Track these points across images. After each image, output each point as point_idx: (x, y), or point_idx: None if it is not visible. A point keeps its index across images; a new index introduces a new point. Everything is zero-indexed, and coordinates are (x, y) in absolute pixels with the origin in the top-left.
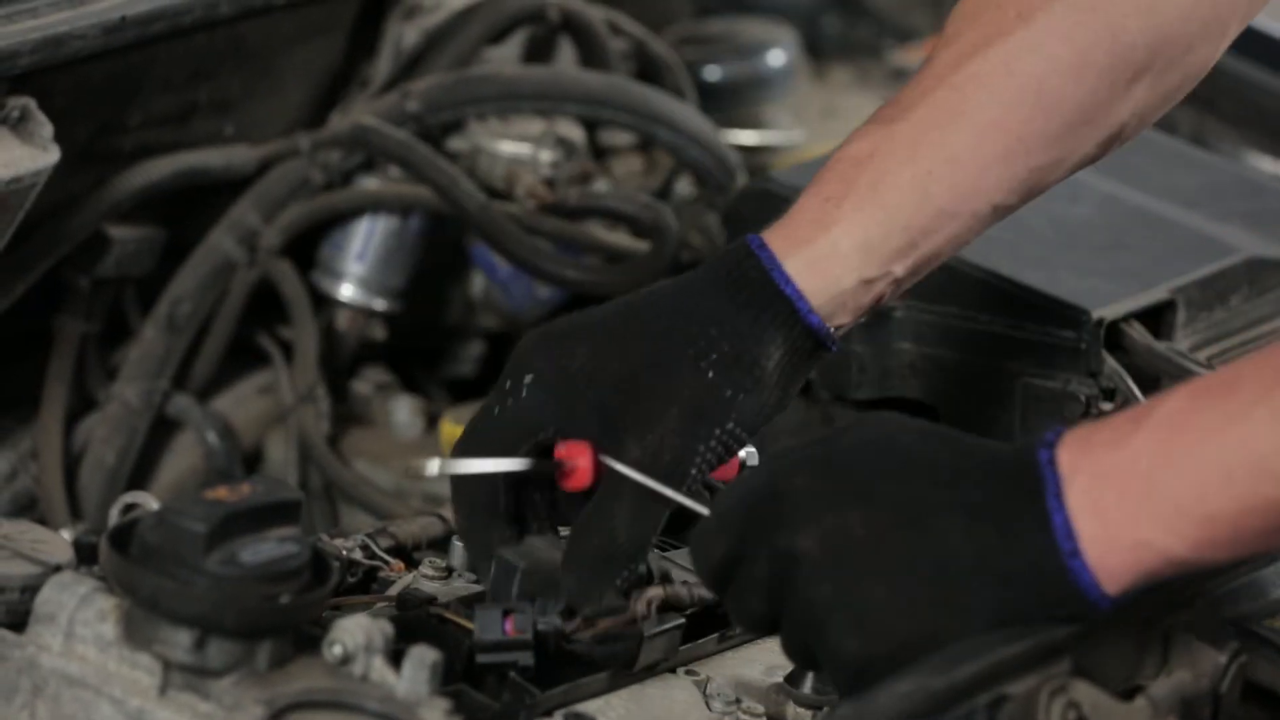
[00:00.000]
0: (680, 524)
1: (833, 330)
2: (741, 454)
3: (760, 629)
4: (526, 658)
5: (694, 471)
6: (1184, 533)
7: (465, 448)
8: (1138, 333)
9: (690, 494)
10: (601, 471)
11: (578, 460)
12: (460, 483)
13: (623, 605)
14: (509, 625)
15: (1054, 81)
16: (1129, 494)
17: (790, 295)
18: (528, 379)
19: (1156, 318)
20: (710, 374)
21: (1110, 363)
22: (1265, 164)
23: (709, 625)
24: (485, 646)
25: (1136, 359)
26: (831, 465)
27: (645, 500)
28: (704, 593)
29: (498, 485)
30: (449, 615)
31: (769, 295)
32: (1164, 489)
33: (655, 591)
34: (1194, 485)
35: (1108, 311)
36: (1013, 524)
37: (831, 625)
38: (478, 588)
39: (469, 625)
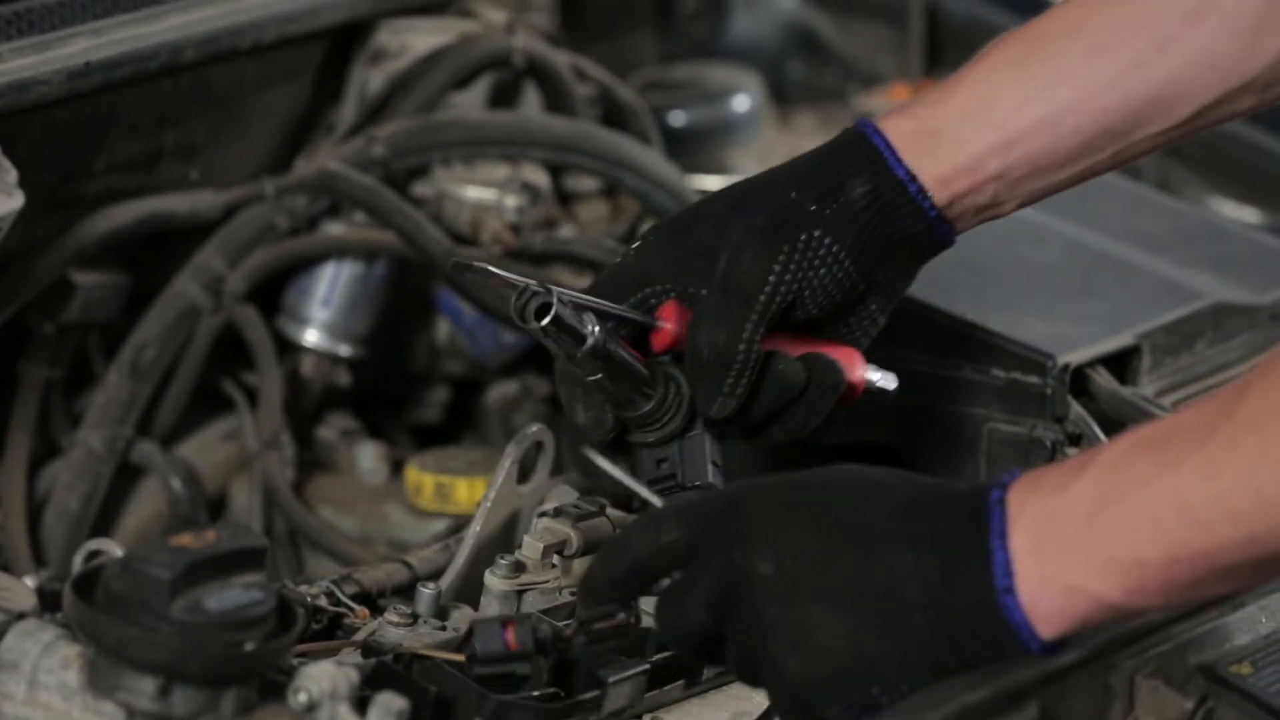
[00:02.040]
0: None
1: (923, 187)
2: (874, 376)
3: (691, 645)
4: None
5: (776, 269)
6: (1116, 579)
7: (586, 291)
8: (1103, 378)
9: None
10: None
11: (666, 320)
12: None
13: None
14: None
15: (1173, 18)
16: (1067, 538)
17: (879, 144)
18: (650, 233)
19: (1122, 363)
20: (793, 194)
21: (1076, 408)
22: (1230, 209)
23: (674, 672)
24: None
25: (1102, 404)
26: (794, 490)
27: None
28: None
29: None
30: (425, 651)
31: (858, 141)
32: (1099, 535)
33: None
34: (1127, 533)
35: (1073, 357)
36: (957, 559)
37: (774, 643)
38: (444, 635)
39: (451, 657)
